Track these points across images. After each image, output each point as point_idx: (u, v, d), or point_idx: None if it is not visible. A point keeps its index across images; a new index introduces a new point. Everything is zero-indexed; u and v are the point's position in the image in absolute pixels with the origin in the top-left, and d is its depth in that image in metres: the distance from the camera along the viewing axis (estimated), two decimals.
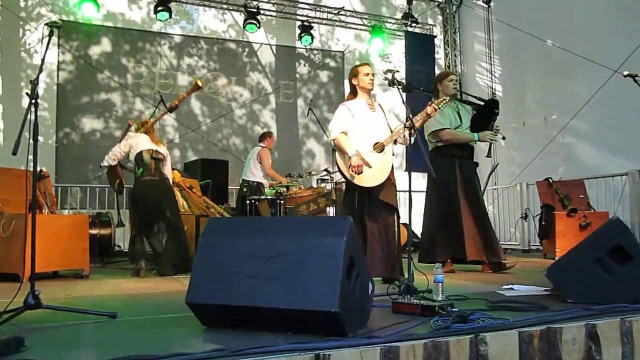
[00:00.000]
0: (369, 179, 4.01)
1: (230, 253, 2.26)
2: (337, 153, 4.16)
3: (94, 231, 6.14)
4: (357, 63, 10.85)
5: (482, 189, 5.11)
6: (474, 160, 5.04)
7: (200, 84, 5.27)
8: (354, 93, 4.31)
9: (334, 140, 4.14)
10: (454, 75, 5.02)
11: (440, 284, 2.80)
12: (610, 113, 7.23)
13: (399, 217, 4.16)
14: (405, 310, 2.51)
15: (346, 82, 10.31)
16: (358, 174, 3.95)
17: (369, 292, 2.35)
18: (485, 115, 4.89)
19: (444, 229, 4.76)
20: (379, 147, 4.06)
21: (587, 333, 2.19)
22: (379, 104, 4.31)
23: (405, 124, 3.56)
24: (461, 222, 4.69)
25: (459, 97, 5.22)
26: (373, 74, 4.23)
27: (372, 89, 4.28)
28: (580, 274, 2.84)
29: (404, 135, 3.93)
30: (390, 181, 4.11)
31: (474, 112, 5.06)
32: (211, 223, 2.47)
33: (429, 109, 4.17)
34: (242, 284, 2.15)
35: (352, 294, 2.15)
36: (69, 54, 8.57)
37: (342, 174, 4.15)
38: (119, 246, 7.29)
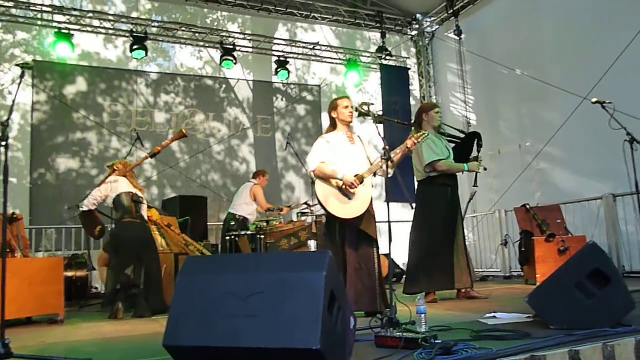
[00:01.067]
0: (348, 211, 3.99)
1: (208, 292, 2.20)
2: (316, 185, 4.09)
3: (69, 273, 6.00)
4: (334, 96, 11.06)
5: (462, 216, 5.21)
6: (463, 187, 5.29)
7: (184, 132, 5.31)
8: (333, 125, 4.31)
9: (314, 171, 4.09)
10: (438, 107, 5.17)
11: (423, 315, 2.77)
12: (582, 138, 7.41)
13: (378, 248, 4.14)
14: (388, 344, 2.48)
15: (323, 115, 10.55)
16: (355, 187, 3.97)
17: (351, 326, 2.32)
18: (465, 146, 5.13)
19: (435, 259, 4.76)
20: (359, 179, 4.04)
21: (571, 359, 2.18)
22: (358, 136, 4.31)
23: (382, 156, 3.56)
24: (453, 252, 4.79)
25: (454, 129, 5.58)
26: (352, 107, 4.20)
27: (351, 122, 4.28)
28: (561, 300, 2.84)
29: (383, 167, 3.93)
30: (369, 212, 4.09)
31: (452, 144, 5.26)
32: (188, 261, 2.43)
33: (408, 143, 4.20)
34: (221, 324, 2.09)
35: (334, 329, 2.11)
36: (44, 93, 8.51)
37: (322, 206, 4.08)
38: (95, 288, 7.12)
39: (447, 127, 5.39)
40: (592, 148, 7.27)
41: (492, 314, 3.48)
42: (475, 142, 5.24)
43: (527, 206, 6.67)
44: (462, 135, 5.32)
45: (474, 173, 5.12)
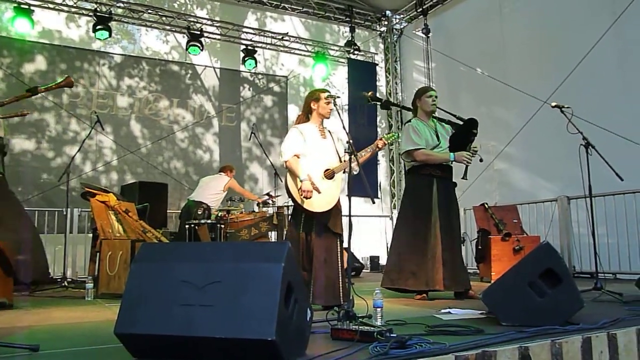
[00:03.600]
0: (317, 205, 3.99)
1: (164, 280, 2.16)
2: (287, 175, 4.08)
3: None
4: (301, 88, 11.00)
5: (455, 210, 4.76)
6: (453, 180, 4.81)
7: (71, 80, 4.96)
8: (307, 116, 4.23)
9: (286, 162, 4.07)
10: (433, 91, 4.80)
11: (379, 309, 2.80)
12: (540, 141, 7.62)
13: (342, 242, 4.16)
14: (344, 337, 2.49)
15: (290, 107, 10.52)
16: (307, 198, 3.91)
17: (308, 319, 2.32)
18: (463, 135, 4.67)
19: (409, 254, 4.54)
20: (329, 174, 4.05)
21: (520, 355, 2.24)
22: (329, 131, 4.27)
23: (345, 150, 3.57)
24: (429, 247, 4.48)
25: (450, 114, 4.93)
26: (335, 104, 4.12)
27: (328, 117, 4.20)
28: (514, 298, 2.91)
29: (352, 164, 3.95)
30: (337, 207, 4.11)
31: (453, 131, 4.84)
32: (144, 248, 2.38)
33: (379, 143, 4.20)
34: (175, 313, 2.06)
35: (290, 321, 2.10)
36: (0, 70, 8.18)
37: (290, 196, 4.07)
38: (48, 272, 6.91)
39: (444, 113, 4.85)
40: (549, 151, 7.49)
41: (447, 310, 3.54)
42: (469, 130, 4.68)
43: (486, 205, 6.81)
44: (460, 123, 4.80)
45: (465, 164, 4.62)
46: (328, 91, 4.22)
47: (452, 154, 4.56)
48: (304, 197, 3.91)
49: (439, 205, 4.56)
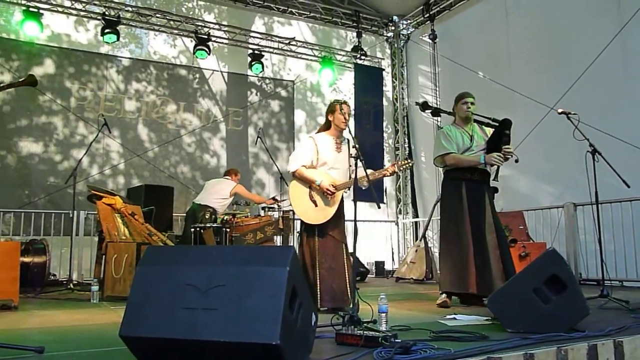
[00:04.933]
0: (313, 217, 4.13)
1: (168, 283, 2.17)
2: (291, 186, 4.20)
3: (26, 259, 5.83)
4: (309, 93, 11.04)
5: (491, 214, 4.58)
6: (491, 184, 4.70)
7: (35, 78, 4.90)
8: (327, 127, 4.31)
9: (294, 172, 4.17)
10: (469, 97, 4.75)
11: (384, 314, 2.80)
12: (546, 148, 7.59)
13: (347, 248, 4.22)
14: (348, 342, 2.48)
15: (297, 112, 10.54)
16: (332, 193, 4.05)
17: (312, 323, 2.32)
18: (497, 136, 4.62)
19: (449, 259, 4.52)
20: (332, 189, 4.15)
21: None
22: (348, 143, 4.31)
23: (351, 155, 3.59)
24: (463, 251, 4.40)
25: (485, 117, 4.83)
26: (349, 114, 4.22)
27: (344, 129, 4.21)
28: (519, 304, 2.90)
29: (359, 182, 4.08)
30: (338, 215, 4.20)
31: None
32: (150, 251, 2.39)
33: (390, 169, 4.24)
34: (180, 316, 2.07)
35: (295, 325, 2.10)
36: (9, 74, 8.23)
37: (293, 208, 4.25)
38: (54, 275, 6.95)
39: (478, 117, 4.77)
40: (555, 157, 7.47)
41: (452, 316, 3.53)
42: (502, 131, 4.61)
43: None
44: (495, 124, 4.71)
45: (497, 166, 4.55)
46: (346, 102, 4.26)
47: (482, 156, 4.52)
48: (328, 194, 4.06)
49: (469, 209, 4.50)
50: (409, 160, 4.39)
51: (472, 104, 4.71)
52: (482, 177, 4.62)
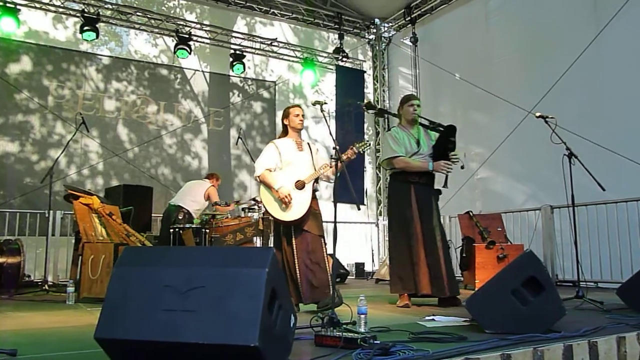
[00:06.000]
0: (287, 215, 4.23)
1: (146, 284, 2.14)
2: (261, 191, 4.36)
3: (0, 260, 5.72)
4: (291, 95, 11.04)
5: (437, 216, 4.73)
6: (436, 187, 4.79)
7: None
8: (285, 132, 4.55)
9: (258, 176, 4.35)
10: (415, 100, 4.83)
11: (363, 316, 2.80)
12: (524, 151, 7.71)
13: (326, 244, 4.32)
14: (327, 343, 2.48)
15: (279, 113, 10.47)
16: (288, 202, 4.16)
17: (291, 325, 2.31)
18: (443, 142, 4.68)
19: (398, 260, 4.60)
20: (300, 185, 4.29)
21: None
22: (308, 144, 4.54)
23: (332, 156, 3.63)
24: (413, 252, 4.48)
25: (430, 122, 4.86)
26: (303, 115, 4.50)
27: (301, 129, 4.51)
28: (497, 305, 2.93)
29: (325, 174, 4.33)
30: (314, 211, 4.32)
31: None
32: (127, 252, 2.35)
33: (349, 152, 4.34)
34: (158, 318, 2.04)
35: (274, 326, 2.09)
36: None
37: (267, 210, 4.37)
38: (28, 276, 6.82)
39: (424, 120, 4.82)
40: (533, 160, 7.58)
41: (431, 317, 3.55)
42: (447, 137, 4.66)
43: (471, 213, 6.85)
44: (441, 129, 4.74)
45: (444, 174, 4.63)
46: (298, 105, 4.58)
47: (430, 163, 4.61)
48: (284, 202, 4.17)
49: (419, 211, 4.60)
50: (366, 141, 4.48)
51: (419, 106, 4.80)
52: (428, 180, 4.74)
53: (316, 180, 4.37)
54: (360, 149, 4.38)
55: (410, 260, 4.51)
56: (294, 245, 4.22)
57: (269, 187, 4.28)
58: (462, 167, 4.75)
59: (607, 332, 2.77)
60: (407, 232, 4.58)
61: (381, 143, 4.56)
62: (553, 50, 7.59)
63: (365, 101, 4.46)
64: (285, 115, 4.54)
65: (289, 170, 4.32)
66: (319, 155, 4.58)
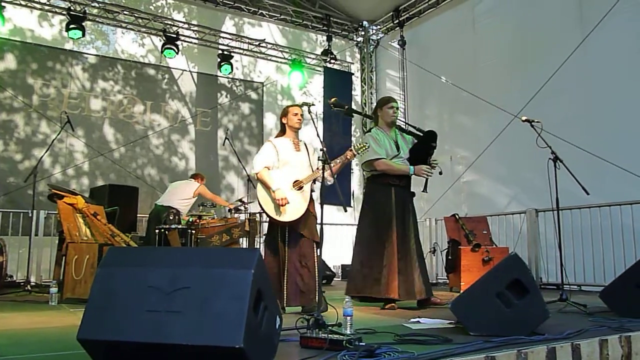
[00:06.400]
0: (284, 215, 4.18)
1: (130, 285, 2.12)
2: (258, 189, 4.28)
3: None
4: (279, 96, 11.00)
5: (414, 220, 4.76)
6: (411, 190, 4.82)
7: None
8: (282, 131, 4.50)
9: (257, 174, 4.29)
10: (394, 102, 4.82)
11: (349, 318, 2.80)
12: (509, 154, 7.78)
13: (319, 249, 4.18)
14: (313, 345, 2.48)
15: (267, 115, 10.48)
16: (283, 205, 4.12)
17: (277, 326, 2.30)
18: (423, 147, 4.72)
19: (375, 261, 4.53)
20: (298, 185, 4.25)
21: None
22: (305, 144, 4.50)
23: (319, 158, 3.63)
24: (386, 254, 4.48)
25: (405, 125, 4.97)
26: (302, 115, 4.42)
27: (299, 128, 4.45)
28: (482, 308, 2.95)
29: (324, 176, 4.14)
30: (311, 214, 4.31)
31: (414, 142, 4.87)
32: (112, 252, 2.33)
33: (348, 154, 4.31)
34: (142, 319, 2.02)
35: (259, 328, 2.09)
36: None
37: (262, 209, 4.27)
38: (11, 276, 6.73)
39: (405, 125, 4.93)
40: (518, 164, 7.65)
41: (417, 319, 3.56)
42: (429, 142, 4.72)
43: (457, 216, 6.89)
44: (420, 134, 4.80)
45: (425, 178, 4.66)
46: (298, 105, 4.50)
47: (411, 167, 4.63)
48: (279, 204, 4.11)
49: (395, 214, 4.59)
50: (365, 144, 4.42)
51: (397, 108, 4.80)
52: (407, 183, 4.76)
53: (313, 182, 4.33)
54: (360, 151, 4.35)
55: (382, 264, 4.47)
56: (287, 246, 4.20)
57: (266, 186, 4.23)
58: (441, 173, 4.77)
59: (590, 334, 2.80)
60: (383, 234, 4.55)
61: (359, 144, 4.53)
62: (539, 54, 7.67)
63: (332, 99, 4.44)
64: (284, 113, 4.48)
65: (286, 170, 4.28)
66: (316, 156, 4.42)
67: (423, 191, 4.71)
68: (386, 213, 4.59)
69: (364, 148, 4.36)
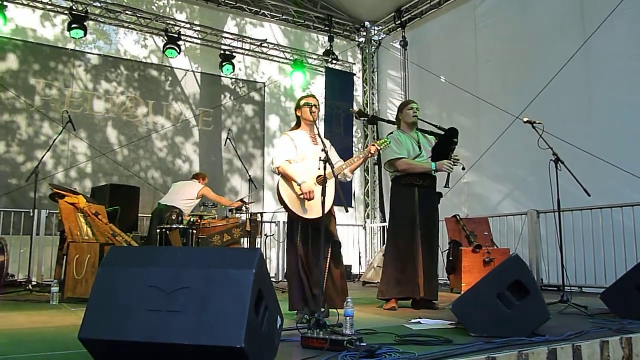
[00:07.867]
0: (310, 212, 3.89)
1: (131, 284, 2.12)
2: (279, 183, 3.97)
3: None
4: (282, 97, 10.95)
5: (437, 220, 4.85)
6: (436, 190, 4.85)
7: None
8: (297, 124, 4.27)
9: (278, 167, 3.99)
10: (414, 103, 4.86)
11: (350, 318, 2.80)
12: (510, 155, 7.77)
13: (340, 247, 4.13)
14: (314, 345, 2.48)
15: (270, 117, 10.49)
16: (310, 199, 3.83)
17: (278, 326, 2.30)
18: (445, 144, 4.75)
19: (398, 262, 4.57)
20: (321, 180, 3.84)
21: None
22: (321, 137, 4.12)
23: (320, 158, 3.56)
24: (415, 256, 4.52)
25: (430, 124, 4.97)
26: (316, 106, 4.16)
27: (314, 120, 4.13)
28: (483, 308, 2.95)
29: (344, 172, 4.10)
30: (331, 213, 4.06)
31: (436, 141, 4.90)
32: (113, 251, 2.33)
33: (372, 149, 4.25)
34: (142, 318, 2.02)
35: (260, 328, 2.09)
36: None
37: (283, 203, 3.94)
38: (12, 276, 6.74)
39: (426, 124, 4.91)
40: (519, 165, 7.65)
41: (417, 320, 3.56)
42: (450, 139, 4.76)
43: (458, 217, 6.89)
44: (441, 132, 4.84)
45: (447, 173, 4.65)
46: (312, 95, 4.30)
47: (433, 163, 4.65)
48: (306, 198, 3.83)
49: (419, 214, 4.62)
50: (386, 139, 4.39)
51: (417, 109, 4.84)
52: (431, 183, 4.78)
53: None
54: (382, 146, 4.30)
55: (408, 264, 4.52)
56: (309, 247, 3.93)
57: (289, 179, 3.93)
58: (463, 168, 4.87)
59: (590, 336, 2.80)
60: (408, 234, 4.58)
61: (381, 139, 4.52)
62: (541, 56, 7.67)
63: (356, 108, 4.41)
64: (298, 105, 4.22)
65: (304, 165, 3.99)
66: (333, 151, 4.23)
67: (445, 186, 4.72)
68: (410, 213, 4.62)
69: (385, 143, 4.35)
